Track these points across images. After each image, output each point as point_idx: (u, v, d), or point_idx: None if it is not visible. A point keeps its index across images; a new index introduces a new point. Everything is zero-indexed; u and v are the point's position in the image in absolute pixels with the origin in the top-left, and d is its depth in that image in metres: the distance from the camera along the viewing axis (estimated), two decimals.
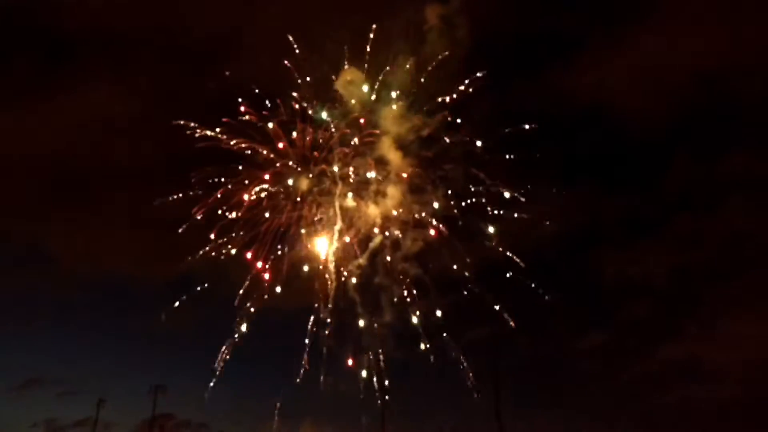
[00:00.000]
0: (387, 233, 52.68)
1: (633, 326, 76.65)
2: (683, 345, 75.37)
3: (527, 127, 53.40)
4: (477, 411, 63.00)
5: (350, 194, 52.48)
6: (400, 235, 52.39)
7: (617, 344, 75.41)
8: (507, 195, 51.94)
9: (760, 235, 71.72)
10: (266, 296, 53.05)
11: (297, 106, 52.25)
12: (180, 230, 52.62)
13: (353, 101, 51.57)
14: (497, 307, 55.00)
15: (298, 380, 53.11)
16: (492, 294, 53.82)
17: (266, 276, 52.78)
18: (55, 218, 78.67)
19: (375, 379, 54.88)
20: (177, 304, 58.82)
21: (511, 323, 50.23)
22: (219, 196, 52.46)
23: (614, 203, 79.86)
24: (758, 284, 70.85)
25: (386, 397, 57.47)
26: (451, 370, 55.39)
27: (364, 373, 53.69)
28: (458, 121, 52.98)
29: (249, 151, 53.75)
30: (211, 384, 57.37)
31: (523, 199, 51.13)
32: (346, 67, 50.50)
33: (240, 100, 53.41)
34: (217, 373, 53.60)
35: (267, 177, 53.25)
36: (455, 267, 52.71)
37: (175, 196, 54.62)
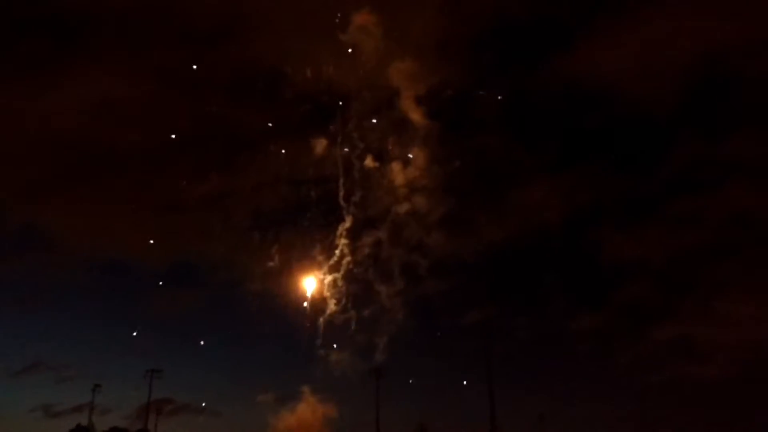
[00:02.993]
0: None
1: (629, 306, 77.11)
2: (678, 325, 75.80)
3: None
4: (472, 389, 63.55)
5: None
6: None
7: (613, 324, 75.89)
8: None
9: (759, 215, 71.87)
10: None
11: (309, 73, 50.91)
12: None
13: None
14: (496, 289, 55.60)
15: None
16: (493, 275, 54.02)
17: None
18: (56, 201, 77.46)
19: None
20: (176, 288, 58.79)
21: None
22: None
23: (615, 184, 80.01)
24: (755, 265, 71.12)
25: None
26: (450, 348, 55.76)
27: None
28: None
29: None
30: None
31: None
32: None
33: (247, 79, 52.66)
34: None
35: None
36: (461, 247, 52.61)
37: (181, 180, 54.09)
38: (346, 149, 52.01)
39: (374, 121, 52.41)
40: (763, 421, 65.40)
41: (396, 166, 53.10)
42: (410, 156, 53.44)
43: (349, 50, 49.96)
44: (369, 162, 52.19)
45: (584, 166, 79.65)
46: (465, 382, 61.67)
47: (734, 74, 70.72)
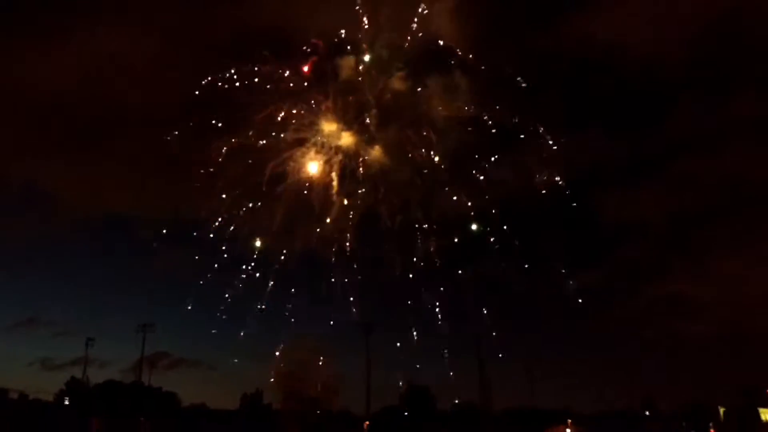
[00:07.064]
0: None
1: (627, 265, 78.57)
2: (674, 284, 77.77)
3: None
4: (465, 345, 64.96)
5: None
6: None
7: (611, 282, 77.52)
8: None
9: (757, 177, 72.44)
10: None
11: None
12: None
13: None
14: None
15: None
16: (496, 230, 54.33)
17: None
18: (56, 160, 77.80)
19: None
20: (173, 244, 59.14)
21: None
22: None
23: (617, 144, 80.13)
24: (751, 226, 72.32)
25: None
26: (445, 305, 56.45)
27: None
28: None
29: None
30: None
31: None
32: None
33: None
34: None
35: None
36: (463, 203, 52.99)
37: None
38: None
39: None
40: (750, 377, 67.86)
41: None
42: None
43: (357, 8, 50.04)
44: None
45: (587, 126, 79.69)
46: (457, 339, 63.00)
47: (740, 37, 70.11)
